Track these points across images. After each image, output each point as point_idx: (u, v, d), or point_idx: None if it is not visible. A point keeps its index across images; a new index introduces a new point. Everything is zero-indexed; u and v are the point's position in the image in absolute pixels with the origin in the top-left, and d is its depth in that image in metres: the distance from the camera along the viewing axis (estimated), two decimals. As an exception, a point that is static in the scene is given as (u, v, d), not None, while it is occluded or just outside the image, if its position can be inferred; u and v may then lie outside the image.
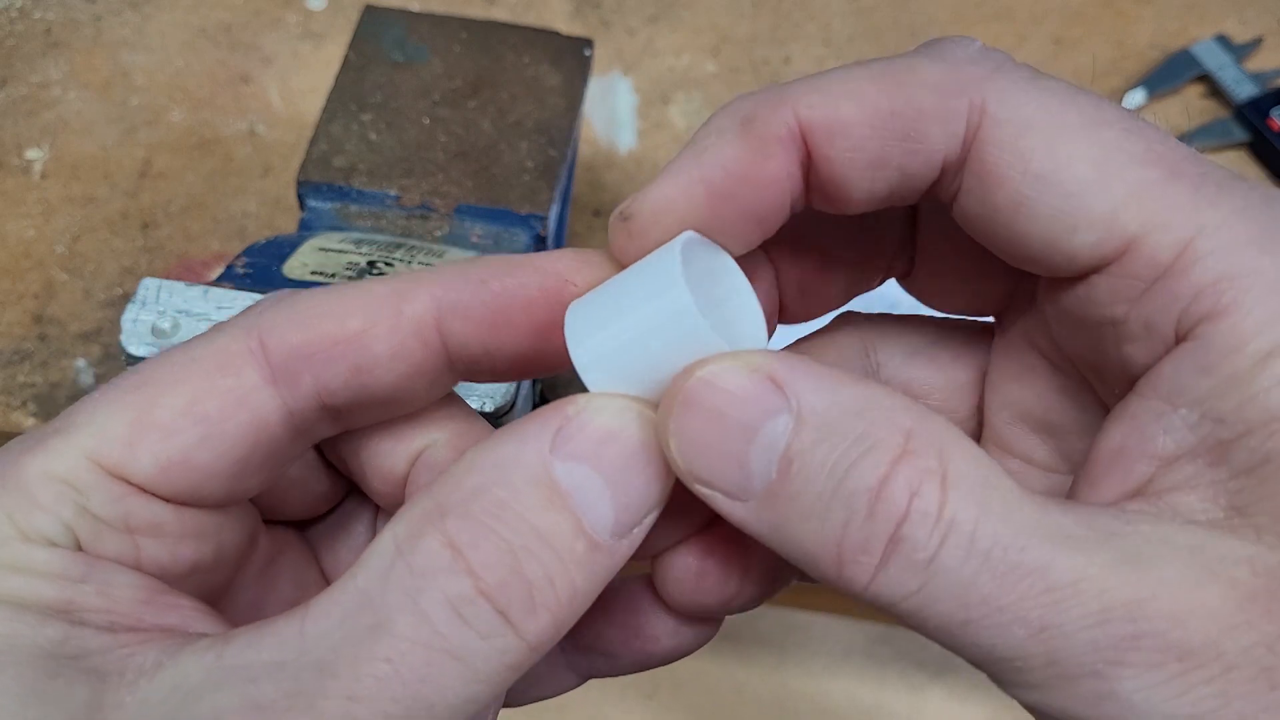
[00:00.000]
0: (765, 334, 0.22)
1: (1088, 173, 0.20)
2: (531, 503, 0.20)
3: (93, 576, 0.20)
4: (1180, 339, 0.19)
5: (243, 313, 0.23)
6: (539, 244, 0.42)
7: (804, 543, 0.19)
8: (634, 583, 0.26)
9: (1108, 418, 0.21)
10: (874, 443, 0.18)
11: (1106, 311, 0.20)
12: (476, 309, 0.23)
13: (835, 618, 0.87)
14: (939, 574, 0.18)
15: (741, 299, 0.22)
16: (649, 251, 0.21)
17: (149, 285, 0.33)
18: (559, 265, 0.23)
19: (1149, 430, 0.19)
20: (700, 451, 0.20)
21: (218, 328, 0.23)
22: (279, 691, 0.18)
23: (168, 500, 0.22)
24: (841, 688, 0.91)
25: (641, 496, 0.21)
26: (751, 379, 0.19)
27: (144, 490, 0.22)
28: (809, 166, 0.21)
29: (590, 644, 0.26)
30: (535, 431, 0.20)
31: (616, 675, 0.26)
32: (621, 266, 0.22)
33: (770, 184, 0.21)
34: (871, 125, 0.21)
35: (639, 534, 0.21)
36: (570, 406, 0.21)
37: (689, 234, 0.21)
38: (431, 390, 0.24)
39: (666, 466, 0.21)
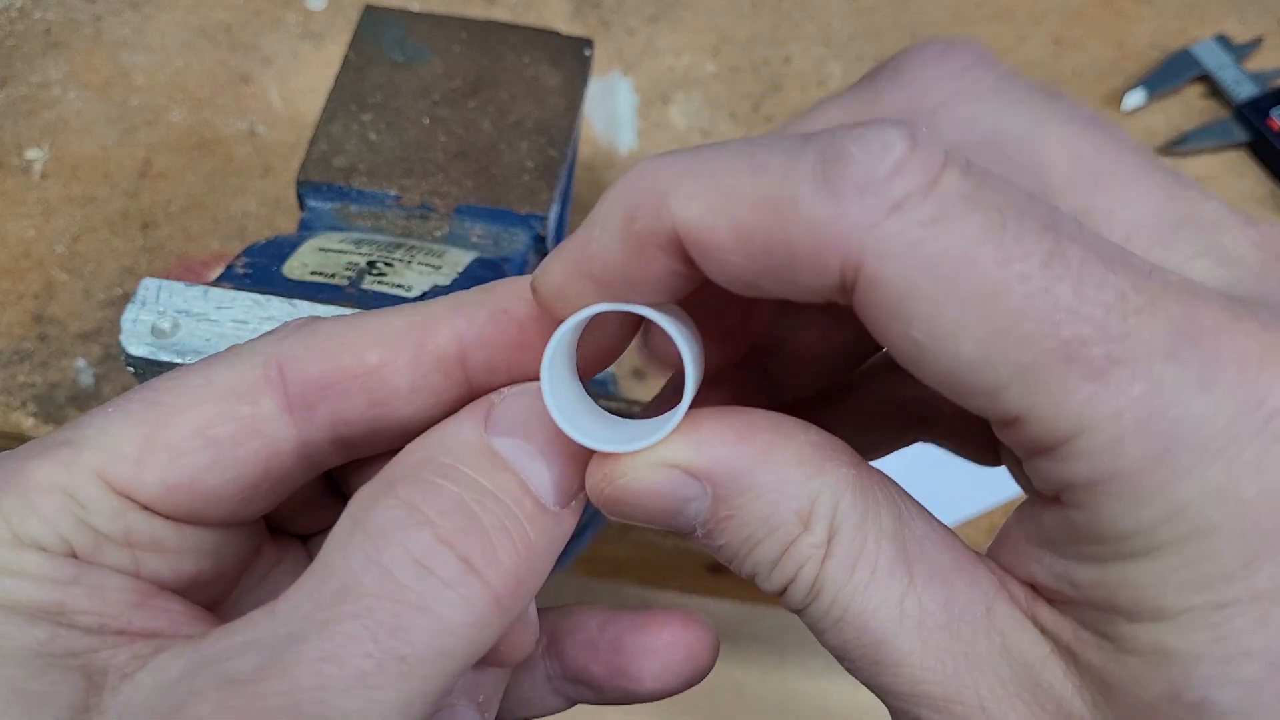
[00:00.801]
0: (691, 390, 0.22)
1: (971, 351, 0.18)
2: (476, 465, 0.21)
3: (84, 579, 0.21)
4: (1059, 500, 0.19)
5: (262, 337, 0.23)
6: (539, 244, 0.42)
7: (728, 564, 0.22)
8: (619, 624, 0.26)
9: (1017, 508, 0.21)
10: (775, 525, 0.21)
11: (1005, 444, 0.20)
12: (500, 338, 0.23)
13: (835, 618, 0.87)
14: (808, 621, 0.21)
15: (680, 346, 0.22)
16: (562, 320, 0.21)
17: (149, 285, 0.33)
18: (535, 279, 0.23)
19: (1029, 552, 0.20)
20: (635, 520, 0.22)
21: (236, 350, 0.23)
22: (252, 665, 0.18)
23: (171, 519, 0.22)
24: (841, 688, 0.91)
25: (572, 467, 0.22)
26: (667, 476, 0.21)
27: (148, 509, 0.22)
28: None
29: (576, 675, 0.26)
30: (468, 414, 0.22)
31: (602, 704, 0.27)
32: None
33: (656, 280, 0.20)
34: (744, 255, 0.19)
35: (578, 506, 0.22)
36: (495, 395, 0.22)
37: (581, 315, 0.21)
38: (445, 413, 0.24)
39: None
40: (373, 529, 0.20)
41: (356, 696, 0.18)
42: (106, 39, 0.68)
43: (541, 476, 0.21)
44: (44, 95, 0.66)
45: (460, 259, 0.38)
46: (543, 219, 0.42)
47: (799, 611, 0.22)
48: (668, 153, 0.20)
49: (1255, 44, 0.71)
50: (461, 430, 0.21)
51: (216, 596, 0.24)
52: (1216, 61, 0.70)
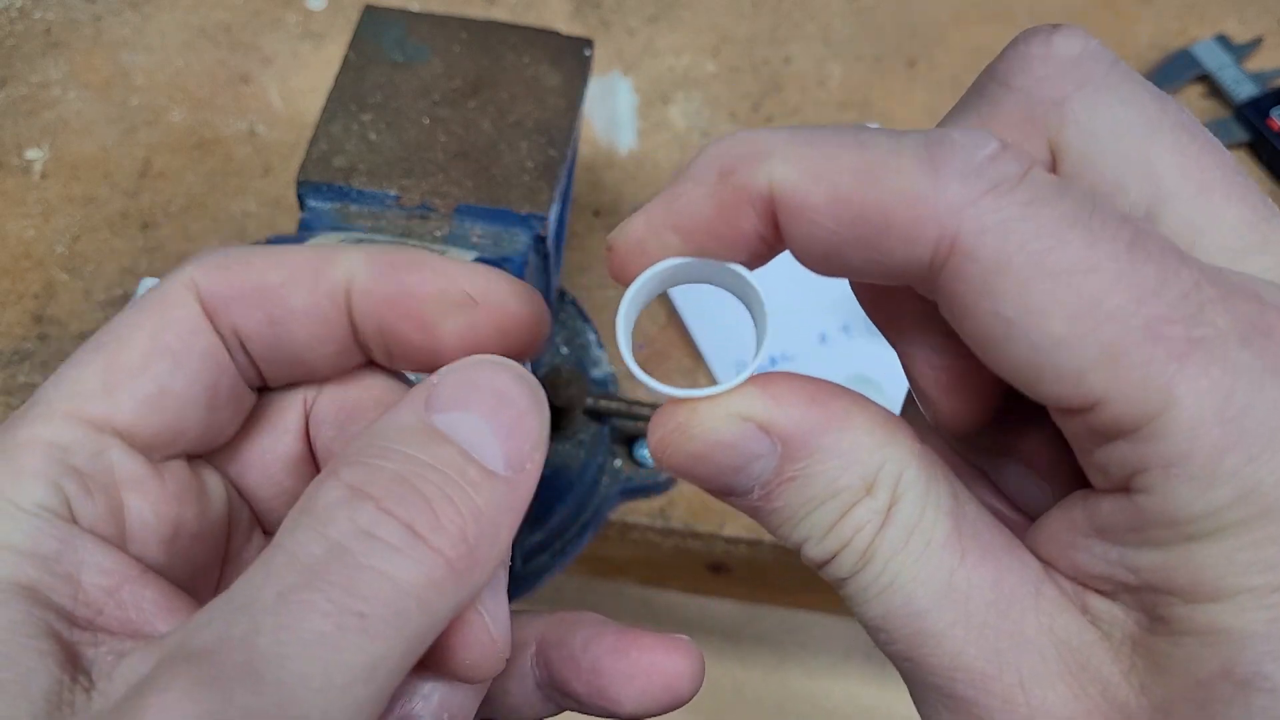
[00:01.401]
0: (768, 338, 0.22)
1: (1059, 328, 0.18)
2: (414, 443, 0.21)
3: (65, 556, 0.21)
4: (1127, 488, 0.19)
5: (182, 263, 0.25)
6: (539, 244, 0.42)
7: (775, 531, 0.22)
8: (602, 644, 0.26)
9: (1060, 502, 0.21)
10: (839, 489, 0.21)
11: (1073, 440, 0.20)
12: (380, 289, 0.24)
13: (835, 618, 0.87)
14: (852, 590, 0.22)
15: (752, 306, 0.23)
16: (633, 277, 0.22)
17: (149, 285, 0.33)
18: (466, 280, 0.25)
19: (1077, 542, 0.20)
20: (695, 476, 0.22)
21: (162, 278, 0.25)
22: (212, 638, 0.19)
23: (151, 447, 0.23)
24: (841, 688, 0.91)
25: (520, 431, 0.22)
26: (741, 428, 0.21)
27: (129, 440, 0.23)
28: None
29: (559, 688, 0.26)
30: (408, 400, 0.22)
31: (588, 715, 0.27)
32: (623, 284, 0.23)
33: (741, 239, 0.21)
34: (837, 220, 0.19)
35: (534, 469, 0.22)
36: (435, 375, 0.23)
37: (666, 265, 0.22)
38: (340, 358, 0.26)
39: (537, 405, 0.23)
40: (319, 510, 0.20)
41: (317, 658, 0.18)
42: (106, 39, 0.68)
43: (487, 443, 0.22)
44: (44, 95, 0.66)
45: (460, 259, 0.38)
46: (543, 219, 0.42)
47: (843, 580, 0.22)
48: (762, 128, 0.21)
49: (1255, 44, 0.71)
50: (400, 415, 0.22)
51: (202, 565, 0.25)
52: (1216, 61, 0.70)
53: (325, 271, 0.24)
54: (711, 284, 0.23)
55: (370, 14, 0.47)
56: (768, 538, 0.56)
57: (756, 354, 0.21)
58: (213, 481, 0.25)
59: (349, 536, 0.20)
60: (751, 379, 0.21)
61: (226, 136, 0.65)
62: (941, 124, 0.23)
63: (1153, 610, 0.19)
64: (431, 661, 0.22)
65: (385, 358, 0.26)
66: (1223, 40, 0.71)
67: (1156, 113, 0.21)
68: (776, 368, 0.60)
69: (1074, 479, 0.22)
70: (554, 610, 0.27)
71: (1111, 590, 0.20)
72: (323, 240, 0.25)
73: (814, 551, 0.22)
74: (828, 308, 0.60)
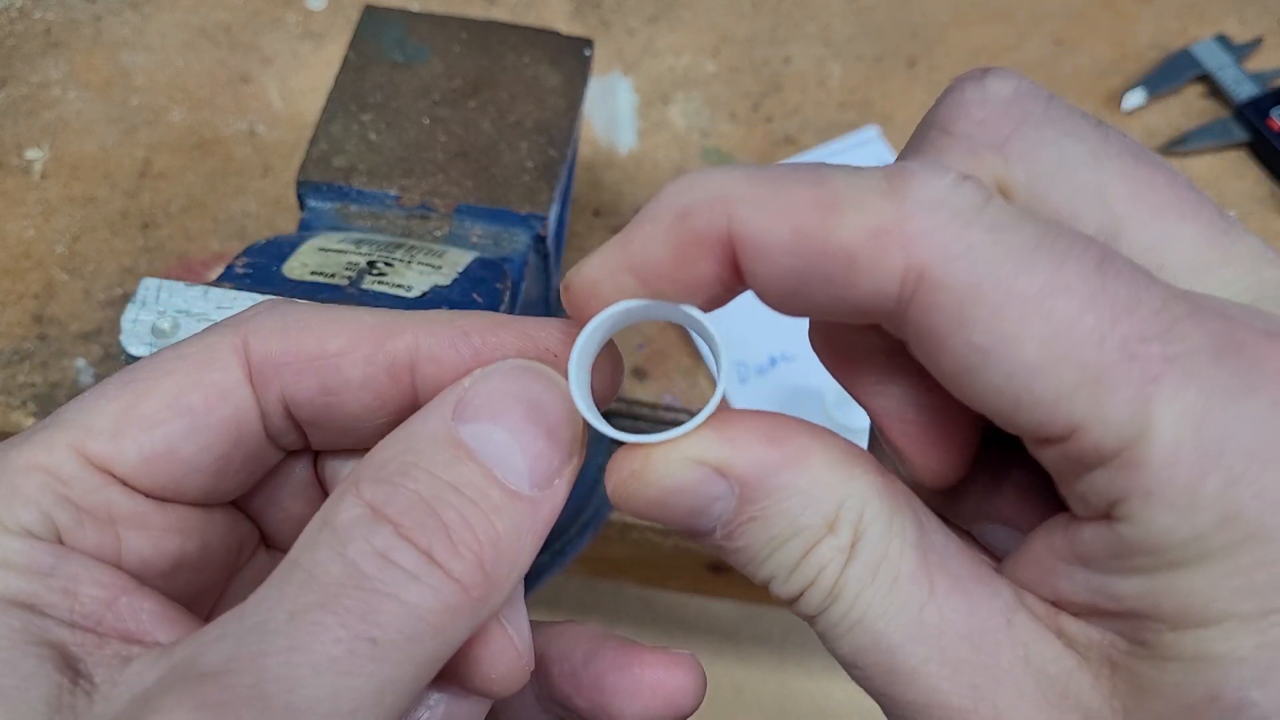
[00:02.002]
0: (724, 381, 0.22)
1: (1033, 354, 0.18)
2: (438, 460, 0.21)
3: (60, 570, 0.21)
4: (1108, 516, 0.19)
5: (236, 314, 0.24)
6: (539, 244, 0.42)
7: (742, 570, 0.22)
8: (603, 660, 0.26)
9: (1040, 526, 0.21)
10: (800, 528, 0.21)
11: (1052, 469, 0.20)
12: (453, 359, 0.23)
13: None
14: (822, 627, 0.21)
15: (711, 347, 0.22)
16: (589, 318, 0.22)
17: (149, 285, 0.33)
18: (543, 334, 0.24)
19: (1057, 568, 0.20)
20: (654, 519, 0.22)
21: (209, 328, 0.24)
22: (220, 659, 0.18)
23: (150, 495, 0.23)
24: (841, 688, 0.91)
25: (550, 446, 0.22)
26: (696, 473, 0.21)
27: (127, 483, 0.22)
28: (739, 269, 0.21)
29: (560, 701, 0.26)
30: (436, 406, 0.22)
31: None
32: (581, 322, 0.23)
33: (699, 282, 0.20)
34: (799, 257, 0.19)
35: (562, 485, 0.22)
36: (466, 379, 0.22)
37: (619, 308, 0.21)
38: (391, 428, 0.24)
39: (571, 416, 0.22)
40: (338, 527, 0.20)
41: (327, 684, 0.18)
42: (106, 39, 0.68)
43: (514, 462, 0.21)
44: (44, 95, 0.66)
45: (460, 259, 0.38)
46: (543, 219, 0.42)
47: (812, 618, 0.21)
48: (720, 166, 0.20)
49: (1255, 44, 0.71)
50: (428, 423, 0.21)
51: (206, 591, 0.25)
52: (1216, 61, 0.70)
53: (387, 342, 0.23)
54: (674, 322, 0.22)
55: (370, 14, 0.47)
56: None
57: (715, 396, 0.21)
58: (219, 515, 0.25)
59: (366, 558, 0.19)
60: (708, 420, 0.21)
61: (226, 136, 0.65)
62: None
63: (1135, 635, 0.19)
64: (455, 675, 0.22)
65: None
66: (1223, 40, 0.71)
67: (1100, 141, 0.21)
68: (776, 368, 0.60)
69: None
70: (555, 622, 0.27)
71: (1092, 614, 0.20)
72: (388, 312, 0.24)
73: (780, 589, 0.22)
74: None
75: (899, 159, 0.23)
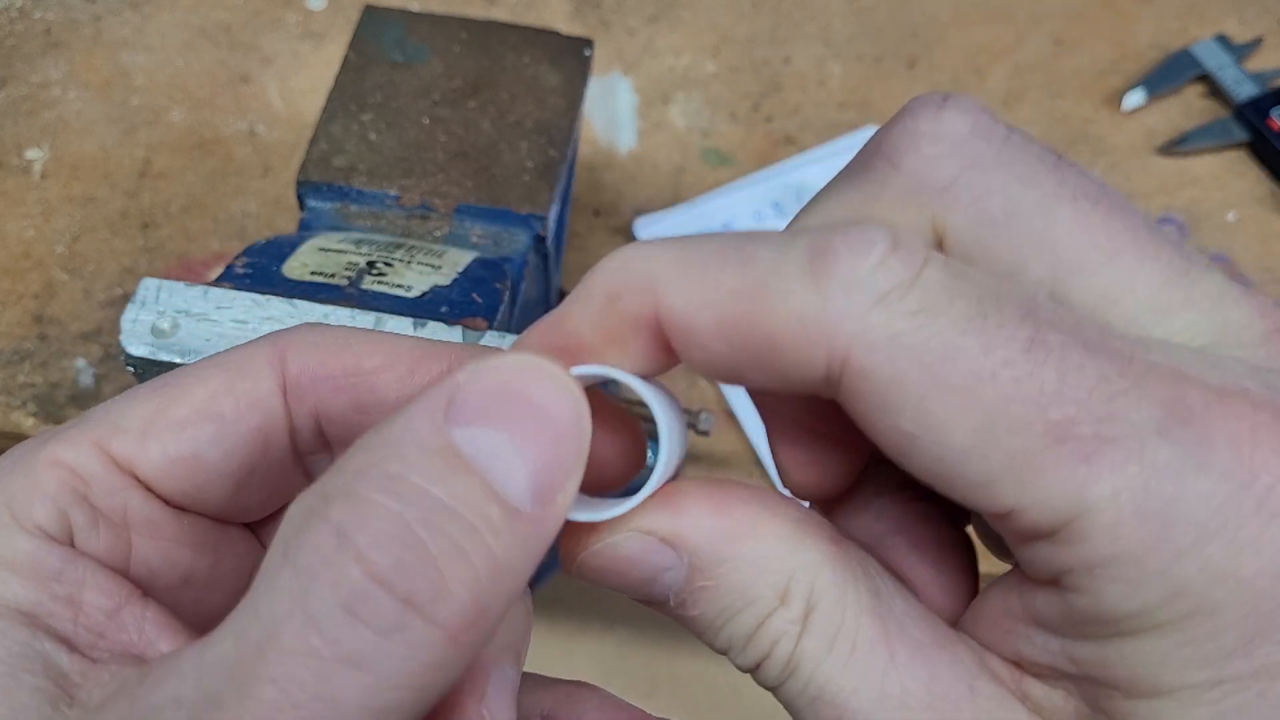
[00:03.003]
0: (666, 456, 0.21)
1: (961, 441, 0.18)
2: (428, 472, 0.18)
3: (67, 576, 0.20)
4: (1058, 584, 0.19)
5: (276, 331, 0.24)
6: (539, 244, 0.42)
7: (699, 636, 0.22)
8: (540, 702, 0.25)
9: (994, 583, 0.21)
10: (751, 599, 0.21)
11: (998, 530, 0.20)
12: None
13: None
14: (783, 698, 0.21)
15: (656, 418, 0.22)
16: None
17: (149, 285, 0.33)
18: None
19: (1016, 629, 0.20)
20: (609, 587, 0.22)
21: (250, 341, 0.24)
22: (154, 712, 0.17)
23: (169, 502, 0.22)
24: (841, 688, 0.91)
25: (556, 454, 0.19)
26: (642, 543, 0.21)
27: (149, 487, 0.22)
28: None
29: None
30: (426, 401, 0.18)
31: None
32: None
33: (632, 360, 0.21)
34: (728, 343, 0.19)
35: (564, 501, 0.19)
36: (462, 373, 0.19)
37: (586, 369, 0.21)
38: None
39: (580, 420, 0.19)
40: (302, 564, 0.17)
41: None
42: (106, 39, 0.68)
43: (514, 473, 0.18)
44: (44, 95, 0.66)
45: (460, 259, 0.38)
46: (543, 219, 0.42)
47: (774, 689, 0.21)
48: (654, 240, 0.20)
49: (1255, 44, 0.71)
50: (414, 423, 0.18)
51: (210, 612, 0.24)
52: (1216, 61, 0.70)
53: (423, 363, 0.23)
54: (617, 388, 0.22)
55: (370, 14, 0.47)
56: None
57: (658, 471, 0.21)
58: (235, 535, 0.24)
59: (328, 613, 0.17)
60: (656, 492, 0.21)
61: (226, 136, 0.65)
62: (826, 192, 0.22)
63: (1095, 702, 0.19)
64: None
65: None
66: (1223, 40, 0.71)
67: (1054, 185, 0.20)
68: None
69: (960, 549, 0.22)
70: (559, 682, 0.26)
71: (1053, 677, 0.20)
72: (427, 330, 0.23)
73: (738, 660, 0.21)
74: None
75: (836, 182, 0.22)
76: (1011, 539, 0.19)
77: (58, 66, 0.67)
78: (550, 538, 0.19)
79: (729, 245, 0.19)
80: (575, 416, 0.19)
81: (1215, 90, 0.70)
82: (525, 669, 0.24)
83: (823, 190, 0.23)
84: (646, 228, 0.63)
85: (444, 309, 0.35)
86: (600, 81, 0.69)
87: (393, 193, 0.42)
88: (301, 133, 0.65)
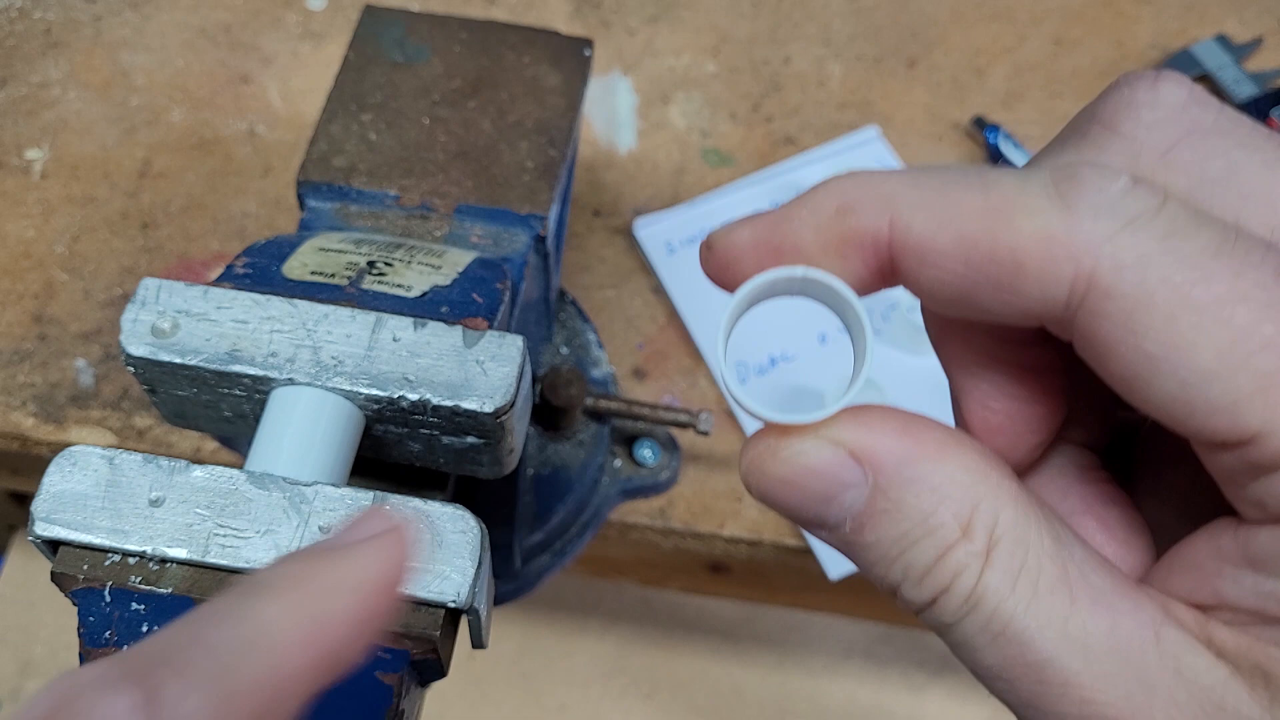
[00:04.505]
0: (868, 368, 0.22)
1: (1209, 361, 0.18)
2: None
3: None
4: None
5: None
6: (539, 244, 0.42)
7: (870, 572, 0.21)
8: None
9: (1200, 530, 0.21)
10: (933, 526, 0.20)
11: (1223, 473, 0.20)
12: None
13: (835, 617, 0.87)
14: (960, 637, 0.20)
15: (855, 332, 0.22)
16: (729, 279, 0.22)
17: (149, 285, 0.33)
18: None
19: (1224, 570, 0.20)
20: (785, 503, 0.21)
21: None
22: None
23: None
24: (841, 688, 0.91)
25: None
26: (833, 454, 0.21)
27: None
28: (892, 269, 0.21)
29: None
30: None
31: None
32: (715, 283, 0.23)
33: (846, 277, 0.21)
34: (966, 263, 0.19)
35: None
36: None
37: (772, 275, 0.21)
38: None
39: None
40: None
41: None
42: (106, 39, 0.68)
43: None
44: (44, 95, 0.66)
45: (460, 259, 0.38)
46: (543, 219, 0.42)
47: (948, 626, 0.21)
48: (880, 170, 0.20)
49: (1255, 44, 0.71)
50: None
51: None
52: (1216, 61, 0.70)
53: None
54: (811, 299, 0.22)
55: (370, 14, 0.47)
56: (768, 537, 0.56)
57: (853, 383, 0.21)
58: None
59: None
60: (846, 408, 0.21)
61: (226, 136, 0.65)
62: (1040, 155, 0.22)
63: None
64: None
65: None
66: (1223, 40, 0.71)
67: (1274, 151, 0.21)
68: (776, 368, 0.60)
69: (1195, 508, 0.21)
70: None
71: (1247, 624, 0.20)
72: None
73: (912, 594, 0.21)
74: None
75: (1046, 150, 0.22)
76: (1243, 473, 0.19)
77: (58, 66, 0.67)
78: None
79: (967, 173, 0.20)
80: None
81: (1215, 90, 0.70)
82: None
83: (1037, 155, 0.23)
84: (646, 227, 0.63)
85: (444, 309, 0.35)
86: (600, 81, 0.69)
87: (393, 193, 0.42)
88: (301, 133, 0.65)
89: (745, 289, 0.21)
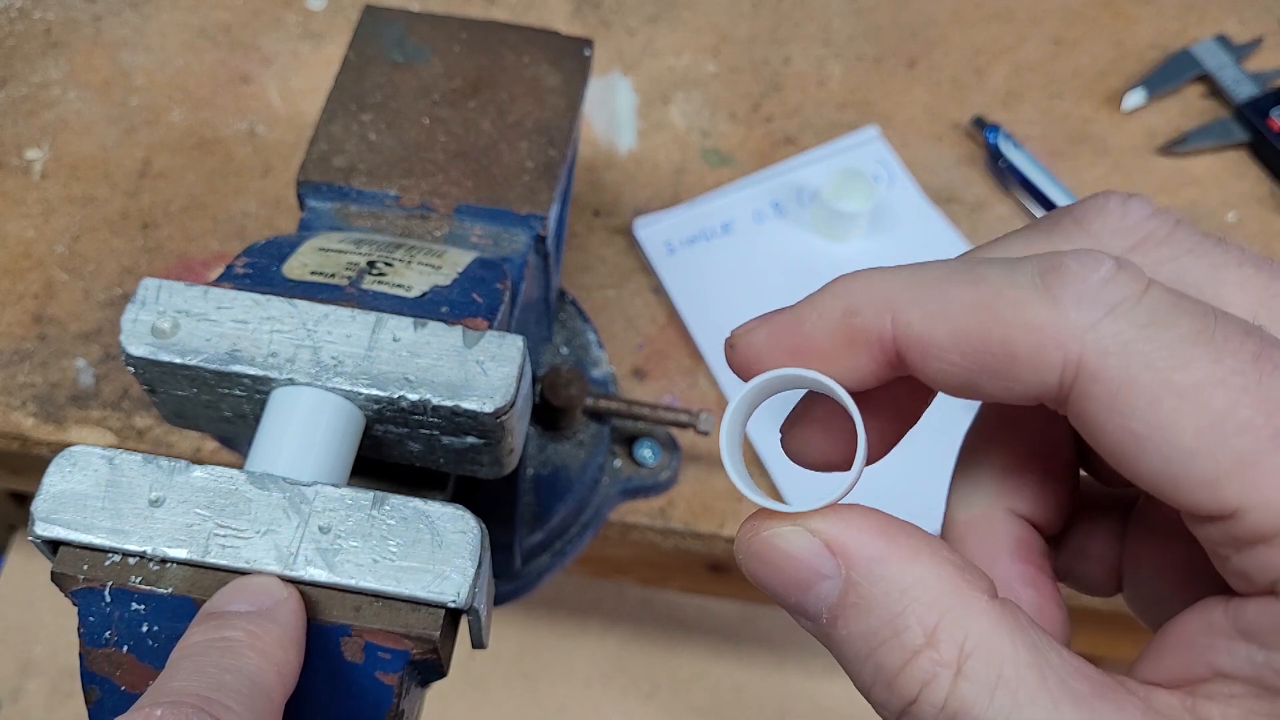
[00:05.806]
0: (859, 465, 0.23)
1: (1190, 441, 0.19)
2: None
3: None
4: (1274, 592, 0.19)
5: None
6: (539, 244, 0.42)
7: (848, 669, 0.22)
8: None
9: (1193, 606, 0.21)
10: (899, 628, 0.21)
11: (1210, 545, 0.20)
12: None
13: (835, 618, 0.86)
14: None
15: (859, 429, 0.24)
16: (750, 375, 0.23)
17: (149, 285, 0.33)
18: None
19: (1217, 644, 0.20)
20: (767, 586, 0.23)
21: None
22: None
23: None
24: (841, 688, 0.91)
25: None
26: (808, 543, 0.22)
27: None
28: (899, 361, 0.22)
29: None
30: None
31: None
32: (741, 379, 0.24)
33: (856, 371, 0.22)
34: (963, 355, 0.21)
35: None
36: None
37: (776, 374, 0.23)
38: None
39: None
40: None
41: None
42: (106, 39, 0.68)
43: None
44: (44, 95, 0.66)
45: (460, 259, 0.38)
46: (543, 219, 0.42)
47: None
48: (882, 267, 0.22)
49: (1255, 44, 0.71)
50: None
51: None
52: (1216, 61, 0.70)
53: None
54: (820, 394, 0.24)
55: (370, 14, 0.47)
56: (768, 538, 0.56)
57: (846, 482, 0.22)
58: None
59: None
60: (832, 504, 0.22)
61: (226, 136, 0.65)
62: (1008, 236, 0.24)
63: None
64: None
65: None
66: (1223, 40, 0.71)
67: (1221, 256, 0.22)
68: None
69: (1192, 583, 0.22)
70: None
71: (1245, 695, 0.20)
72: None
73: (884, 696, 0.21)
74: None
75: (1019, 234, 0.24)
76: (1228, 545, 0.20)
77: (58, 66, 0.67)
78: None
79: (957, 267, 0.21)
80: None
81: (1215, 90, 0.70)
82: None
83: (1004, 235, 0.24)
84: (646, 227, 0.63)
85: (444, 309, 0.35)
86: (600, 81, 0.69)
87: (393, 193, 0.42)
88: (301, 133, 0.65)
89: (751, 385, 0.23)
